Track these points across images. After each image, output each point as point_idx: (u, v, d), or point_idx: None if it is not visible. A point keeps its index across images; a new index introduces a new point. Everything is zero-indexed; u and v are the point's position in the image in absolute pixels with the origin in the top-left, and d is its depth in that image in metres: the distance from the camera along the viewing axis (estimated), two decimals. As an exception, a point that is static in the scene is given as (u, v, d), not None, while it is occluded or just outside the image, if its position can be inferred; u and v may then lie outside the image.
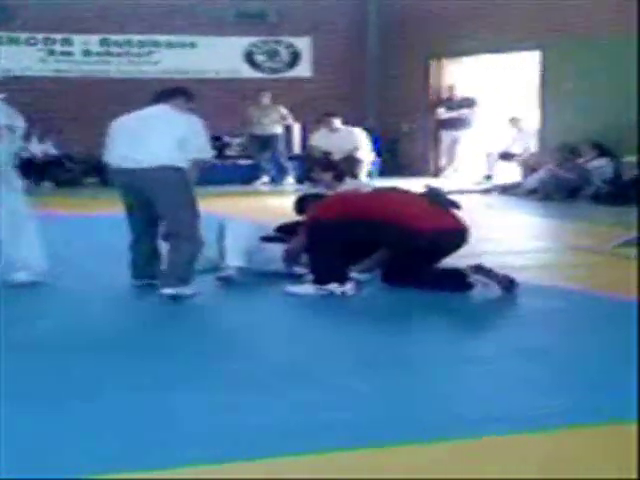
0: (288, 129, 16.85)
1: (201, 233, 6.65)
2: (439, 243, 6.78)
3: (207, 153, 6.84)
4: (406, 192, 7.28)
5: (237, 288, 6.97)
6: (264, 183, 16.29)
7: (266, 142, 16.39)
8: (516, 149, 15.84)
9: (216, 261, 7.27)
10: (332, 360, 5.01)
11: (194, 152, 6.60)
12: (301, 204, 7.62)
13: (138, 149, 6.52)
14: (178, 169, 6.50)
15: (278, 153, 16.44)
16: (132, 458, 3.58)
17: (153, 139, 6.52)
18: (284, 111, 16.40)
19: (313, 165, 8.42)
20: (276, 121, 16.37)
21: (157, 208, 6.59)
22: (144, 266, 6.85)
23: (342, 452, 3.63)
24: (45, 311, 6.28)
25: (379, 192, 7.28)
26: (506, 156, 15.88)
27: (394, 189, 7.40)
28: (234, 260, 7.15)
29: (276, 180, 16.33)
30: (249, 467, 3.51)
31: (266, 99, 16.41)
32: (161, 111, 6.74)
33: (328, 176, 8.23)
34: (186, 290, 6.48)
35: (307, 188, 9.08)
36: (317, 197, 7.47)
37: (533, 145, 15.67)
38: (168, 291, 6.47)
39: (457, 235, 6.85)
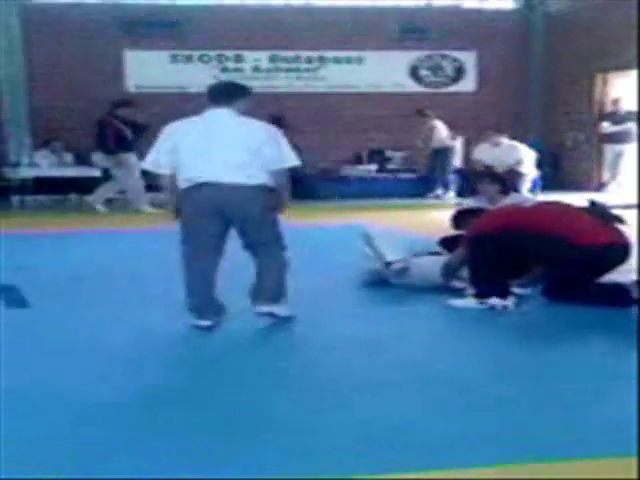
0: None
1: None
2: (602, 258, 6.65)
3: (288, 162, 5.99)
4: (568, 206, 7.17)
5: (397, 301, 7.02)
6: (437, 196, 16.32)
7: (438, 155, 16.47)
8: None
9: (380, 272, 7.37)
10: (491, 373, 5.00)
11: (271, 163, 5.88)
12: (459, 219, 7.61)
13: (223, 165, 5.82)
14: (266, 185, 5.91)
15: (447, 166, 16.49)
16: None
17: (235, 155, 5.83)
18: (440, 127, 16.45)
19: (479, 177, 8.30)
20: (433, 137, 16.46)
21: (248, 228, 5.97)
22: (214, 300, 6.04)
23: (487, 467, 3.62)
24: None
25: (541, 206, 7.18)
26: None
27: (556, 203, 7.30)
28: (395, 255, 7.22)
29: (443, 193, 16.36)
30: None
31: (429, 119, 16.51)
32: (233, 119, 5.96)
33: (494, 189, 8.14)
34: (282, 311, 6.06)
35: (468, 202, 9.01)
36: (475, 212, 7.44)
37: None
38: (264, 309, 6.03)
39: (620, 250, 6.71)
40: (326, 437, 3.95)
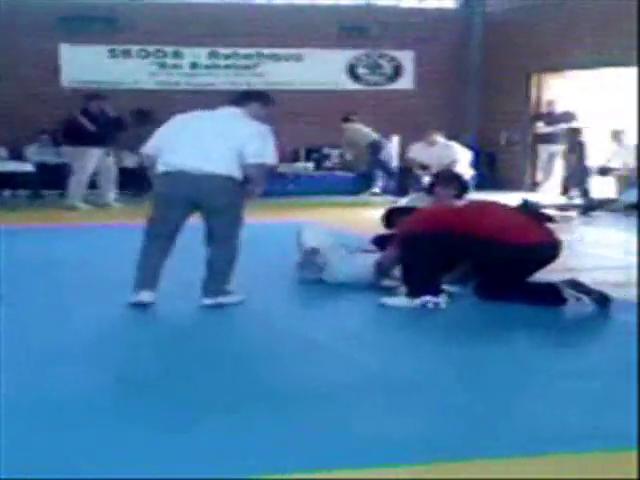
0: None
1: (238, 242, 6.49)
2: (531, 256, 6.71)
3: (267, 158, 6.40)
4: (499, 205, 7.23)
5: (328, 298, 7.03)
6: (374, 193, 16.34)
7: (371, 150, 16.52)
8: (614, 164, 15.58)
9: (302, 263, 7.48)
10: (421, 372, 5.01)
11: (251, 157, 6.28)
12: (390, 217, 7.63)
13: (198, 155, 6.26)
14: (236, 178, 6.31)
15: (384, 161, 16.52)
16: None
17: (215, 147, 6.26)
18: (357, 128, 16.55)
19: (437, 178, 8.13)
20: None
21: (208, 217, 6.40)
22: (155, 276, 6.47)
23: (415, 466, 3.63)
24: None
25: (473, 205, 7.23)
26: (604, 171, 15.63)
27: (487, 202, 7.36)
28: (309, 242, 7.33)
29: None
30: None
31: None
32: (228, 116, 6.46)
33: (450, 192, 7.62)
34: (228, 299, 6.44)
35: (403, 201, 9.03)
36: (406, 211, 7.45)
37: (632, 161, 15.38)
38: (208, 302, 6.41)
39: (549, 248, 6.78)
40: (257, 436, 3.94)
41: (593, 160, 15.97)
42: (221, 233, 6.42)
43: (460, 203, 7.32)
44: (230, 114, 6.48)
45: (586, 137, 15.66)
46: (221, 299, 6.44)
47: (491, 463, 3.66)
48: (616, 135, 15.68)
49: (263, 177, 6.44)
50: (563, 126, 16.54)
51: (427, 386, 4.72)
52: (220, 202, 6.32)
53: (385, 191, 16.22)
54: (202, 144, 6.28)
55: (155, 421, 4.12)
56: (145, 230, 6.52)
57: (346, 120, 16.55)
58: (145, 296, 6.38)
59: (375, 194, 16.26)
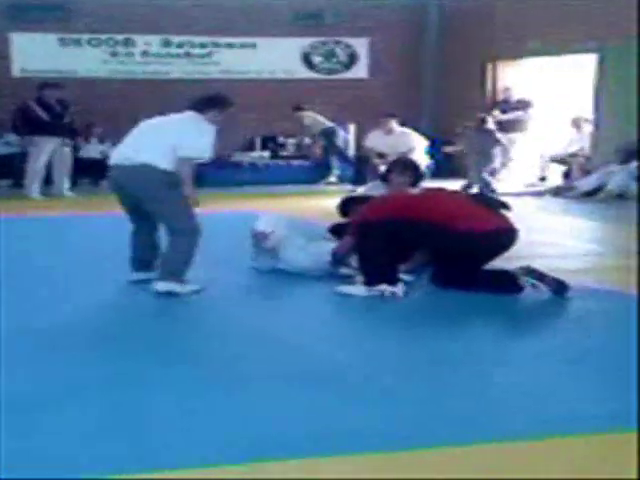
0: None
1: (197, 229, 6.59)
2: (486, 243, 6.70)
3: (198, 153, 6.56)
4: (454, 193, 7.23)
5: (284, 287, 7.00)
6: (331, 182, 16.28)
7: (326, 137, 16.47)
8: (573, 150, 15.66)
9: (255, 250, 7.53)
10: (375, 361, 4.99)
11: (181, 149, 6.44)
12: (346, 206, 7.59)
13: (130, 147, 6.61)
14: (162, 169, 6.45)
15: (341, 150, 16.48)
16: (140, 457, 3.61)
17: (147, 140, 6.56)
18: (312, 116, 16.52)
19: (392, 165, 8.05)
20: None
21: (143, 205, 6.64)
22: (142, 259, 6.91)
23: (371, 455, 3.62)
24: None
25: (427, 193, 7.22)
26: (560, 158, 15.74)
27: (442, 190, 7.34)
28: (260, 227, 7.35)
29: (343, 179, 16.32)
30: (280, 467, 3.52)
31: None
32: (181, 116, 6.72)
33: (405, 179, 7.58)
34: (179, 287, 6.49)
35: (361, 189, 9.00)
36: (362, 199, 7.42)
37: (587, 148, 15.50)
38: (159, 287, 6.51)
39: (504, 236, 6.77)
40: (207, 425, 3.89)
41: (549, 147, 16.08)
42: (166, 225, 6.66)
43: (415, 191, 7.31)
44: (185, 115, 6.70)
45: (538, 124, 15.74)
46: (176, 288, 6.48)
47: (445, 451, 3.66)
48: (576, 122, 15.76)
49: (189, 173, 6.51)
50: (519, 113, 16.62)
51: (381, 376, 4.70)
52: (146, 193, 6.53)
53: (342, 180, 16.20)
54: (139, 138, 6.65)
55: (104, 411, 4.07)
56: None
57: (297, 109, 16.51)
58: (135, 276, 6.91)
59: (332, 183, 16.23)
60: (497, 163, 15.34)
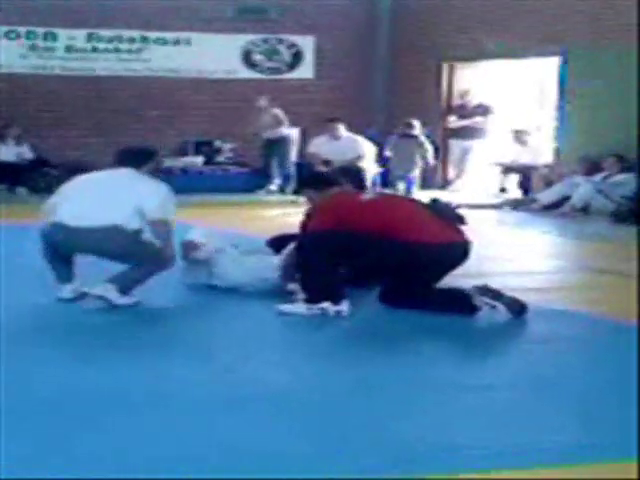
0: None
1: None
2: (438, 257, 6.67)
3: (168, 214, 6.86)
4: (407, 202, 7.20)
5: (225, 306, 6.95)
6: (271, 191, 16.22)
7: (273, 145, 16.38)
8: (523, 161, 15.74)
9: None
10: (312, 387, 4.96)
11: (152, 212, 6.68)
12: (275, 243, 7.60)
13: (96, 209, 6.66)
14: (134, 230, 6.66)
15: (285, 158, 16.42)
16: None
17: (109, 199, 6.70)
18: (279, 114, 16.37)
19: (334, 172, 8.07)
20: (269, 125, 16.34)
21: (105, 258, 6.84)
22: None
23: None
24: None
25: (378, 200, 7.16)
26: (510, 169, 15.88)
27: (395, 198, 7.32)
28: (190, 236, 7.40)
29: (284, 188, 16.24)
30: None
31: (262, 102, 16.39)
32: (127, 174, 6.93)
33: (347, 186, 7.58)
34: (124, 300, 6.61)
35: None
36: (294, 237, 7.34)
37: (542, 159, 15.57)
38: (94, 291, 6.60)
39: (457, 249, 6.75)
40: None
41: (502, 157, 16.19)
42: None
43: (365, 197, 7.19)
44: (129, 172, 6.94)
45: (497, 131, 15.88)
46: (112, 296, 6.60)
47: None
48: (518, 136, 15.85)
49: (166, 234, 6.78)
50: (477, 119, 16.68)
51: (319, 402, 4.68)
52: (113, 252, 6.72)
53: (283, 189, 16.15)
54: (95, 197, 6.76)
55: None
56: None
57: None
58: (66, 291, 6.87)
59: (272, 192, 16.17)
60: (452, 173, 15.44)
